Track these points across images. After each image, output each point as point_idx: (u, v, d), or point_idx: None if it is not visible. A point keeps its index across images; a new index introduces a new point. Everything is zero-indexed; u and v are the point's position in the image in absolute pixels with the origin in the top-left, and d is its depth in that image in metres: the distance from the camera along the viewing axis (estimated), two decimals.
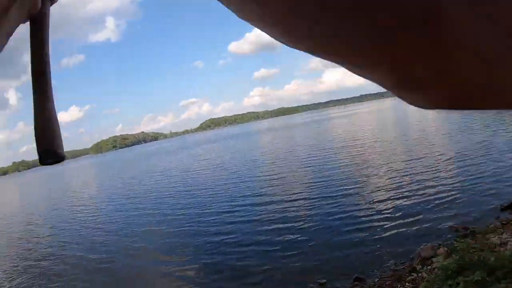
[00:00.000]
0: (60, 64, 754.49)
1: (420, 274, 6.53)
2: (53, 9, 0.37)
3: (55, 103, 0.36)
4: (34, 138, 0.32)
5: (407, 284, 6.41)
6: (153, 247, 12.34)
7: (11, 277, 12.09)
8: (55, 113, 0.41)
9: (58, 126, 0.41)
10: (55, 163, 0.41)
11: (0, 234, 19.79)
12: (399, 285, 6.48)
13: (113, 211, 19.56)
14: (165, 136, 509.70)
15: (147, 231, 14.17)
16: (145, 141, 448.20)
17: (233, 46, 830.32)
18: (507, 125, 23.83)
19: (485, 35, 0.21)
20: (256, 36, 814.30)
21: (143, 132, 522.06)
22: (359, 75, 0.31)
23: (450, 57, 0.24)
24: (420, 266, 6.90)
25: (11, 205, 36.41)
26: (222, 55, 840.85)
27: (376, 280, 6.99)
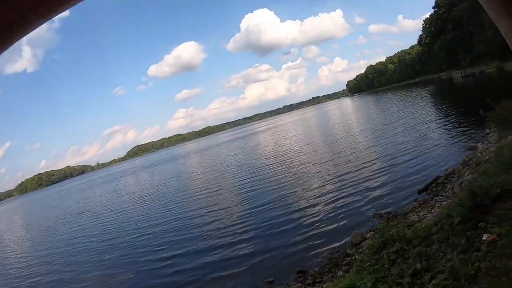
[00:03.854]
0: None
1: (353, 257, 7.30)
2: None
3: None
4: None
5: (343, 267, 7.17)
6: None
7: None
8: None
9: None
10: None
11: None
12: (336, 269, 7.24)
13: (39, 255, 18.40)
14: (92, 168, 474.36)
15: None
16: (71, 176, 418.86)
17: (152, 70, 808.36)
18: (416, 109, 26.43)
19: None
20: (175, 57, 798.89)
21: (68, 166, 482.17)
22: None
23: None
24: (353, 250, 7.70)
25: None
26: (143, 80, 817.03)
27: (316, 269, 7.72)
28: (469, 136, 17.04)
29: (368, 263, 5.87)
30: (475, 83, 54.38)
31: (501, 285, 3.87)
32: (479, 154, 12.64)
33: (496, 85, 39.13)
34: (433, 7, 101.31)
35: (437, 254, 5.12)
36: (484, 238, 5.04)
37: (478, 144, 14.64)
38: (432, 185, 10.82)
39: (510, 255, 4.33)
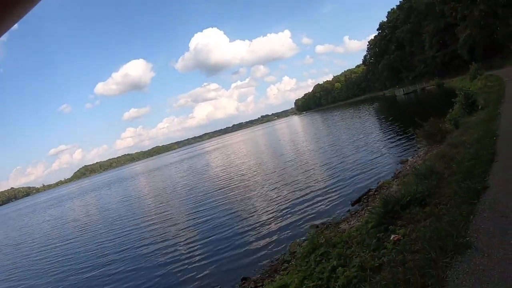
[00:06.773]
0: None
1: (290, 263, 8.18)
2: None
3: None
4: None
5: (281, 272, 8.03)
6: None
7: None
8: None
9: None
10: None
11: None
12: (275, 274, 8.09)
13: None
14: (37, 190, 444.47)
15: None
16: (16, 198, 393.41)
17: (99, 88, 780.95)
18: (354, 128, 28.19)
19: None
20: (123, 75, 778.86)
21: (12, 188, 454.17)
22: None
23: None
24: (290, 257, 8.60)
25: None
26: (90, 98, 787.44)
27: (258, 276, 8.54)
28: (404, 150, 18.72)
29: (299, 266, 6.77)
30: (417, 99, 58.18)
31: (397, 273, 4.82)
32: (408, 167, 14.07)
33: (435, 100, 42.33)
34: (377, 29, 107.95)
35: (353, 254, 6.08)
36: (391, 238, 6.05)
37: (409, 158, 16.19)
38: (364, 197, 12.08)
39: (409, 250, 5.33)
